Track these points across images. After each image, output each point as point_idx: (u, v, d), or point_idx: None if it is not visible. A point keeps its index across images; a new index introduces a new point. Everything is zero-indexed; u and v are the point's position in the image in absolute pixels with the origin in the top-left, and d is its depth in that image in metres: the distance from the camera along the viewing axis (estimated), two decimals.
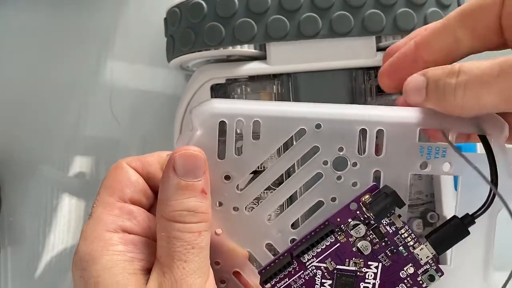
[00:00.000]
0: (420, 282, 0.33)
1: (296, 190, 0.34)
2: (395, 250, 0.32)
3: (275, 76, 0.42)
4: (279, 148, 0.33)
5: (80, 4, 0.51)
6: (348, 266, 0.33)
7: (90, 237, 0.30)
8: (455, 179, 0.37)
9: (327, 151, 0.33)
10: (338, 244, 0.33)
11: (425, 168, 0.33)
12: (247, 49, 0.40)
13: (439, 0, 0.39)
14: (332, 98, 0.40)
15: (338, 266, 0.33)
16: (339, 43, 0.39)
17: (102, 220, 0.30)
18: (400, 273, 0.33)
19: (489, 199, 0.31)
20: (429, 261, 0.32)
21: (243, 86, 0.42)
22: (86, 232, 0.30)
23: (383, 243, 0.32)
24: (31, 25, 0.52)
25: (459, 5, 0.40)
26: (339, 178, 0.33)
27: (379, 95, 0.41)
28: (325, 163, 0.33)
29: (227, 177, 0.33)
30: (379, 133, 0.32)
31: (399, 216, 0.32)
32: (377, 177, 0.33)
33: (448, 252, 0.33)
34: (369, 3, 0.38)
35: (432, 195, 0.42)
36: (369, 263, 0.33)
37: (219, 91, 0.42)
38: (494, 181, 0.31)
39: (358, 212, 0.33)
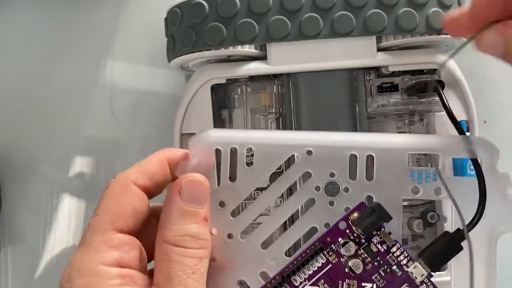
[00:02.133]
0: None
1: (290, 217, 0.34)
2: (388, 270, 0.33)
3: (275, 76, 0.42)
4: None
5: (80, 4, 0.51)
6: (342, 287, 0.33)
7: (85, 269, 0.29)
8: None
9: (319, 177, 0.34)
10: (330, 265, 0.33)
11: (417, 192, 0.34)
12: (248, 49, 0.40)
13: (440, 0, 0.39)
14: (332, 98, 0.40)
15: None
16: (339, 43, 0.39)
17: (99, 252, 0.30)
18: None
19: (478, 213, 0.32)
20: (424, 280, 0.32)
21: (244, 86, 0.42)
22: (82, 262, 0.30)
23: (375, 263, 0.33)
24: (31, 25, 0.52)
25: (459, 5, 0.40)
26: (331, 203, 0.34)
27: (379, 95, 0.41)
28: (317, 188, 0.34)
29: (222, 204, 0.34)
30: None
31: (389, 233, 0.33)
32: (370, 201, 0.34)
33: (449, 280, 0.34)
34: (371, 3, 0.38)
35: None
36: (363, 284, 0.33)
37: (220, 91, 0.42)
38: (482, 203, 0.32)
39: (347, 230, 0.33)
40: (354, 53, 0.39)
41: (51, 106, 0.51)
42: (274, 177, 0.35)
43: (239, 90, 0.42)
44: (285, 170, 0.35)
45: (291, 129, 0.41)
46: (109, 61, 0.51)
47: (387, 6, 0.38)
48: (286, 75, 0.41)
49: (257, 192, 0.36)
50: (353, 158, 0.33)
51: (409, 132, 0.42)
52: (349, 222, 0.33)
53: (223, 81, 0.41)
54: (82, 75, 0.51)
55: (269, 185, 0.35)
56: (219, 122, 0.42)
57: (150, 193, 0.33)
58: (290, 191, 0.36)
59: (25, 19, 0.52)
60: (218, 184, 0.34)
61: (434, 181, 0.33)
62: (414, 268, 0.33)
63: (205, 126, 0.41)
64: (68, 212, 0.50)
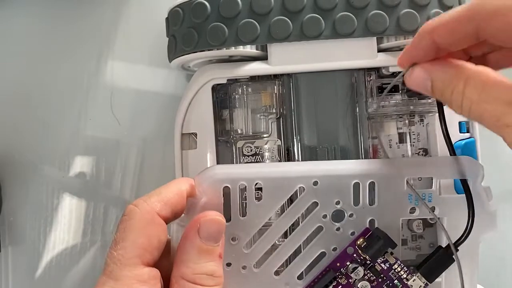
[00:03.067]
0: None
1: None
2: (391, 284, 0.36)
3: (276, 77, 0.42)
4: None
5: (80, 4, 0.51)
6: None
7: None
8: (455, 181, 0.38)
9: (325, 205, 0.36)
10: (340, 286, 0.36)
11: (414, 212, 0.36)
12: (249, 49, 0.40)
13: (441, 1, 0.39)
14: (332, 99, 0.40)
15: None
16: (340, 44, 0.40)
17: (131, 287, 0.30)
18: None
19: (467, 230, 0.35)
20: None
21: (244, 87, 0.42)
22: None
23: (379, 280, 0.36)
24: (31, 25, 0.52)
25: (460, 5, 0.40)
26: (338, 229, 0.36)
27: (380, 96, 0.41)
28: (324, 216, 0.36)
29: (234, 239, 0.35)
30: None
31: (392, 253, 0.35)
32: (372, 225, 0.36)
33: (440, 281, 0.37)
34: (372, 4, 0.39)
35: None
36: None
37: (220, 91, 0.42)
38: (471, 221, 0.35)
39: (355, 255, 0.36)
40: (355, 53, 0.40)
41: (52, 106, 0.51)
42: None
43: (239, 90, 0.42)
44: (293, 201, 0.36)
45: (292, 129, 0.41)
46: (109, 61, 0.51)
47: (389, 7, 0.38)
48: (287, 75, 0.41)
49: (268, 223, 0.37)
50: (356, 186, 0.35)
51: (409, 133, 0.42)
52: (356, 247, 0.35)
53: (224, 81, 0.41)
54: (82, 75, 0.51)
55: (279, 217, 0.36)
56: (220, 122, 0.42)
57: (168, 222, 0.33)
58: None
59: (25, 19, 0.52)
60: (230, 219, 0.35)
61: (430, 202, 0.36)
62: (413, 281, 0.35)
63: (206, 126, 0.41)
64: (68, 212, 0.50)
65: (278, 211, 0.36)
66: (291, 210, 0.36)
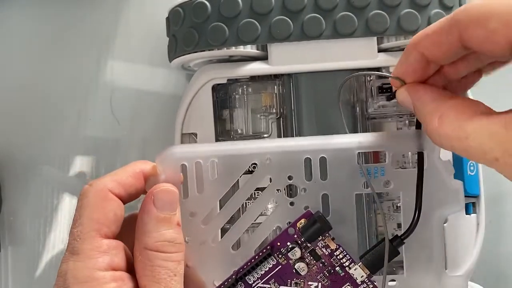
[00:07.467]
0: None
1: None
2: (332, 271, 0.35)
3: (276, 77, 0.42)
4: None
5: (80, 4, 0.51)
6: (290, 286, 0.36)
7: (81, 276, 0.31)
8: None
9: (278, 180, 0.36)
10: (280, 266, 0.36)
11: (367, 187, 0.36)
12: (250, 49, 0.40)
13: (442, 1, 0.39)
14: (333, 99, 0.40)
15: (281, 287, 0.36)
16: (340, 44, 0.40)
17: (92, 259, 0.31)
18: None
19: (414, 221, 0.34)
20: (365, 280, 0.35)
21: (244, 87, 0.42)
22: (77, 270, 0.31)
23: (320, 264, 0.36)
24: (31, 25, 0.52)
25: (460, 6, 0.40)
26: (292, 203, 0.36)
27: (380, 96, 0.41)
28: (278, 191, 0.36)
29: (192, 214, 0.36)
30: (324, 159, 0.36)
31: (333, 238, 0.35)
32: (326, 199, 0.36)
33: (403, 260, 0.36)
34: (373, 4, 0.39)
35: None
36: (309, 283, 0.36)
37: (220, 91, 0.42)
38: (419, 193, 0.34)
39: (295, 236, 0.36)
40: (355, 53, 0.40)
41: (51, 106, 0.51)
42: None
43: (240, 90, 0.42)
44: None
45: (292, 129, 0.41)
46: (109, 61, 0.51)
47: (389, 7, 0.38)
48: (287, 75, 0.41)
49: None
50: (308, 161, 0.36)
51: None
52: (296, 228, 0.35)
53: (224, 81, 0.41)
54: (82, 75, 0.51)
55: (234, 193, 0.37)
56: (220, 122, 0.43)
57: (123, 202, 0.34)
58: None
59: (25, 19, 0.52)
60: (188, 196, 0.36)
61: (382, 176, 0.36)
62: (355, 270, 0.35)
63: (206, 126, 0.41)
64: (68, 212, 0.50)
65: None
66: (245, 185, 0.36)
